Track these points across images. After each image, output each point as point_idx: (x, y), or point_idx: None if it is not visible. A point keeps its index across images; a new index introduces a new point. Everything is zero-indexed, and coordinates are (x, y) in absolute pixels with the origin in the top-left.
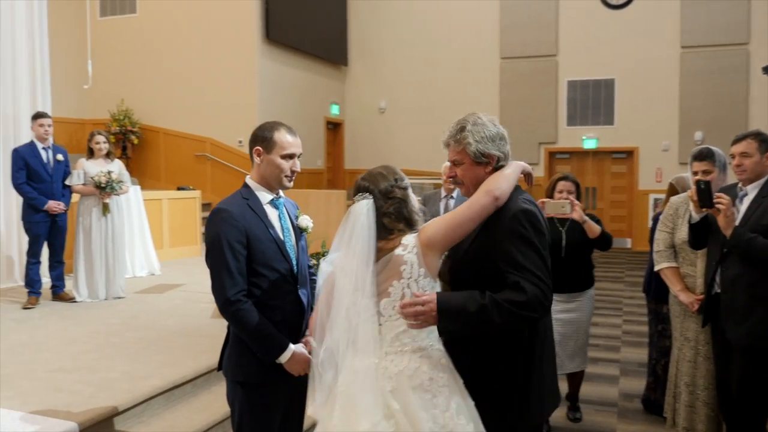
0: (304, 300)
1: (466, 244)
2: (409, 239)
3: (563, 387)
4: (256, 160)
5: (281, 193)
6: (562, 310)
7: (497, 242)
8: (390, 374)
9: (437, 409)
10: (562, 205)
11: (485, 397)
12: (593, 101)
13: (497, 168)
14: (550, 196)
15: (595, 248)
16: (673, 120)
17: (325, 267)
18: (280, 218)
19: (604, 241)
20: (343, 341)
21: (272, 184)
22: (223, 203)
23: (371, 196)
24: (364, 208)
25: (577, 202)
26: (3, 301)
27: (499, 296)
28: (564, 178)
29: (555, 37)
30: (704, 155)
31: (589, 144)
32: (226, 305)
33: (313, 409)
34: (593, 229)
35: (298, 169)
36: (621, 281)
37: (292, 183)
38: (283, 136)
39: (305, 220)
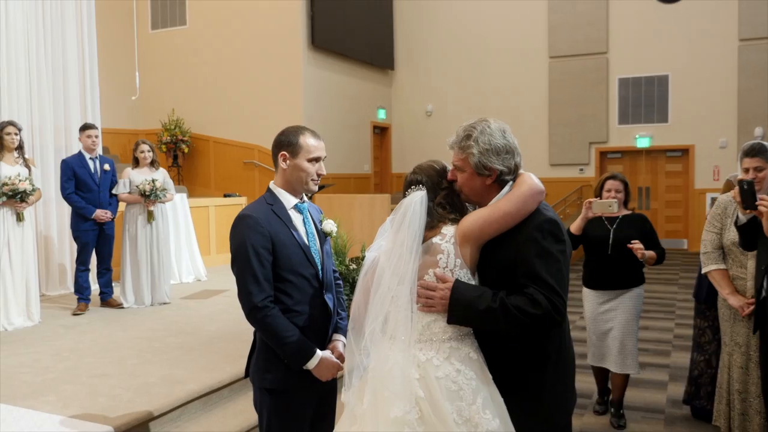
0: (330, 305)
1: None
2: (449, 229)
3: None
4: (282, 165)
5: (305, 197)
6: (605, 307)
7: (519, 249)
8: (418, 362)
9: (463, 402)
10: (609, 205)
11: (515, 390)
12: (646, 99)
13: (499, 181)
14: (599, 195)
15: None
16: (731, 116)
17: (369, 255)
18: (304, 223)
19: (660, 259)
20: (378, 327)
21: (298, 188)
22: (247, 209)
23: (424, 188)
24: (418, 197)
25: (639, 245)
26: (54, 308)
27: (511, 301)
28: (612, 177)
29: (605, 34)
30: (756, 151)
31: (642, 143)
32: (253, 312)
33: (345, 396)
34: (651, 260)
35: (324, 173)
36: (674, 283)
37: (317, 186)
38: (308, 140)
39: (329, 225)
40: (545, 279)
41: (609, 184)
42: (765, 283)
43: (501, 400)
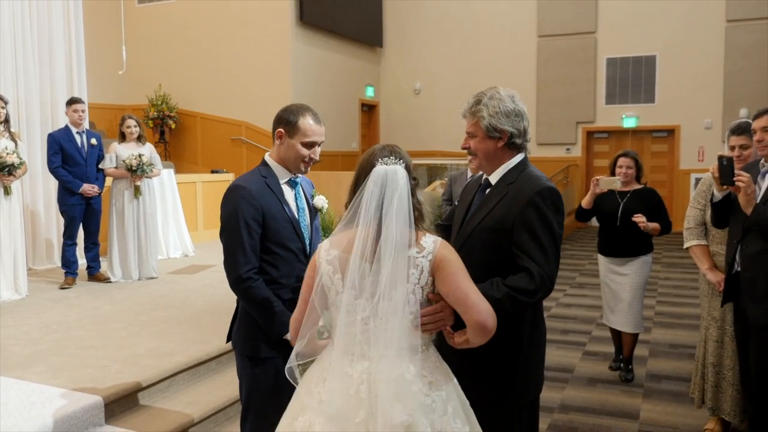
0: None
1: (485, 211)
2: (429, 242)
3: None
4: (277, 141)
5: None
6: (615, 272)
7: (517, 214)
8: (387, 379)
9: (435, 414)
10: (613, 182)
11: (489, 374)
12: (633, 79)
13: (510, 144)
14: (612, 171)
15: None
16: (717, 97)
17: (324, 254)
18: (296, 197)
19: (664, 230)
20: (339, 343)
21: (289, 166)
22: (241, 180)
23: (404, 165)
24: (402, 174)
25: (641, 218)
26: (42, 282)
27: (510, 284)
28: (624, 154)
29: (594, 13)
30: (743, 129)
31: (629, 123)
32: (237, 282)
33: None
34: (655, 230)
35: (317, 158)
36: (658, 262)
37: (308, 170)
38: (307, 123)
39: (321, 201)
40: (541, 249)
41: (621, 161)
42: (737, 257)
43: (467, 402)
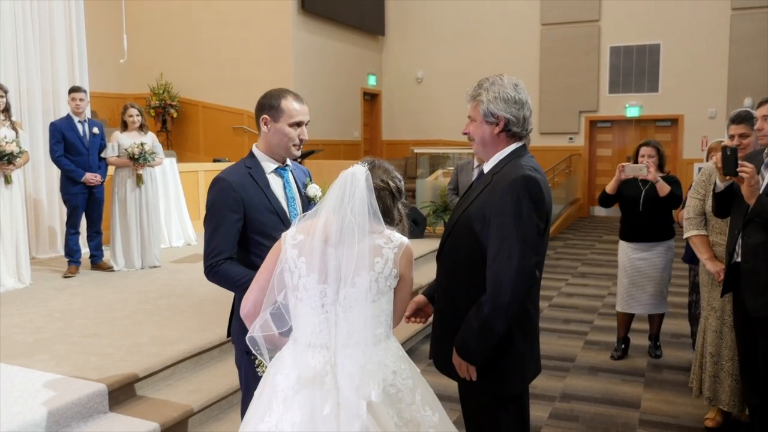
0: None
1: (470, 200)
2: (397, 237)
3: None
4: (264, 129)
5: (288, 162)
6: (638, 258)
7: (492, 204)
8: (351, 370)
9: (402, 403)
10: (639, 168)
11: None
12: (637, 68)
13: (507, 131)
14: (635, 160)
15: (668, 206)
16: (721, 86)
17: (290, 239)
18: (285, 187)
19: (673, 199)
20: (301, 332)
21: (279, 152)
22: (224, 172)
23: (370, 168)
24: (361, 173)
25: (652, 165)
26: (45, 270)
27: (484, 299)
28: (646, 143)
29: (598, 1)
30: (742, 118)
31: (632, 112)
32: (206, 270)
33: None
34: (663, 189)
35: (306, 137)
36: None
37: (300, 151)
38: (290, 104)
39: (314, 189)
40: (511, 242)
41: (643, 149)
42: (737, 248)
43: (432, 391)
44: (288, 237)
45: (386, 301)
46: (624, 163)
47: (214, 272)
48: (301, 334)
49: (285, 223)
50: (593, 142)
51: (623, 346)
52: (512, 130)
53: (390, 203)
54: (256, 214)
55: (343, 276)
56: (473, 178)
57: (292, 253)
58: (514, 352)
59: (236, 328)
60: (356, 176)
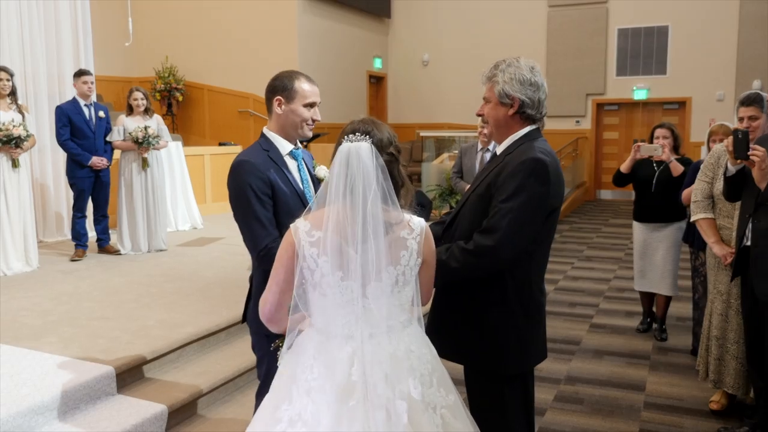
0: None
1: (480, 179)
2: (417, 223)
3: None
4: (277, 110)
5: (298, 144)
6: (650, 237)
7: (498, 184)
8: (380, 359)
9: (423, 386)
10: (654, 149)
11: (477, 344)
12: (645, 50)
13: (522, 113)
14: (651, 141)
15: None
16: (729, 68)
17: (305, 236)
18: (299, 169)
19: (683, 179)
20: (324, 326)
21: (292, 133)
22: (244, 155)
23: (370, 140)
24: (368, 153)
25: (667, 146)
26: (52, 254)
27: (469, 242)
28: (661, 125)
29: None
30: (752, 100)
31: (640, 95)
32: (262, 255)
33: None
34: (677, 169)
35: (319, 118)
36: None
37: (311, 132)
38: (303, 85)
39: (322, 170)
40: (509, 214)
41: (657, 131)
42: (747, 232)
43: (447, 373)
44: (301, 233)
45: (410, 289)
46: (640, 143)
47: (269, 258)
48: (324, 324)
49: (304, 204)
50: (600, 125)
51: (648, 319)
52: (527, 112)
53: (396, 171)
54: (282, 195)
55: (369, 273)
56: (477, 162)
57: (311, 251)
58: (515, 332)
59: (254, 312)
60: (363, 159)
